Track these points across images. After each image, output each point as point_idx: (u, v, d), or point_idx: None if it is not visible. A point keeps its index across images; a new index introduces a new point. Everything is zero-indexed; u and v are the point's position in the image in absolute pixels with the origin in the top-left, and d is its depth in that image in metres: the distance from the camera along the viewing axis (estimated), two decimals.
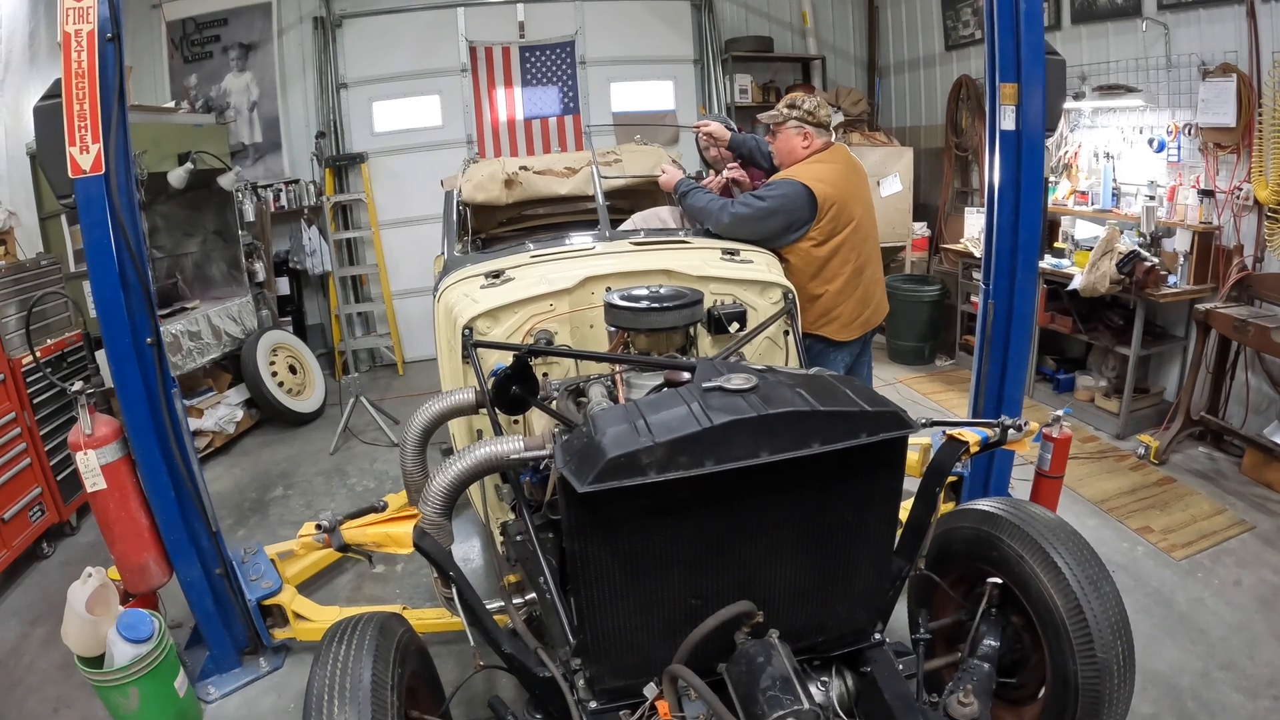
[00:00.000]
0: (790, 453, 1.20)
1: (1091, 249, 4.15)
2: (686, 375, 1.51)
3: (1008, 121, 2.56)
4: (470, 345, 2.08)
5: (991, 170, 2.62)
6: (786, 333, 2.34)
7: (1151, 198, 4.10)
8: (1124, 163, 4.37)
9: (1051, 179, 4.71)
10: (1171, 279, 3.97)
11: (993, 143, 2.58)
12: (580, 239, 2.77)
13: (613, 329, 2.00)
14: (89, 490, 2.36)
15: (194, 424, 4.31)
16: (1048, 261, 4.40)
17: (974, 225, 5.22)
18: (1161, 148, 4.10)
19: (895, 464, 1.41)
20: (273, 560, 2.78)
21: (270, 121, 5.80)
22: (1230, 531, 3.21)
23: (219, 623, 2.59)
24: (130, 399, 2.28)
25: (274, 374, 4.91)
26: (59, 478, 3.53)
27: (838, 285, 2.78)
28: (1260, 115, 3.47)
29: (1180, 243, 3.97)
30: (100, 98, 2.11)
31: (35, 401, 3.45)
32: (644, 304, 1.84)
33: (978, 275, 5.00)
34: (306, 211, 5.75)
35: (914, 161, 5.64)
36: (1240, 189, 3.67)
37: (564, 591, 1.66)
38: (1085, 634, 1.60)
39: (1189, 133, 3.93)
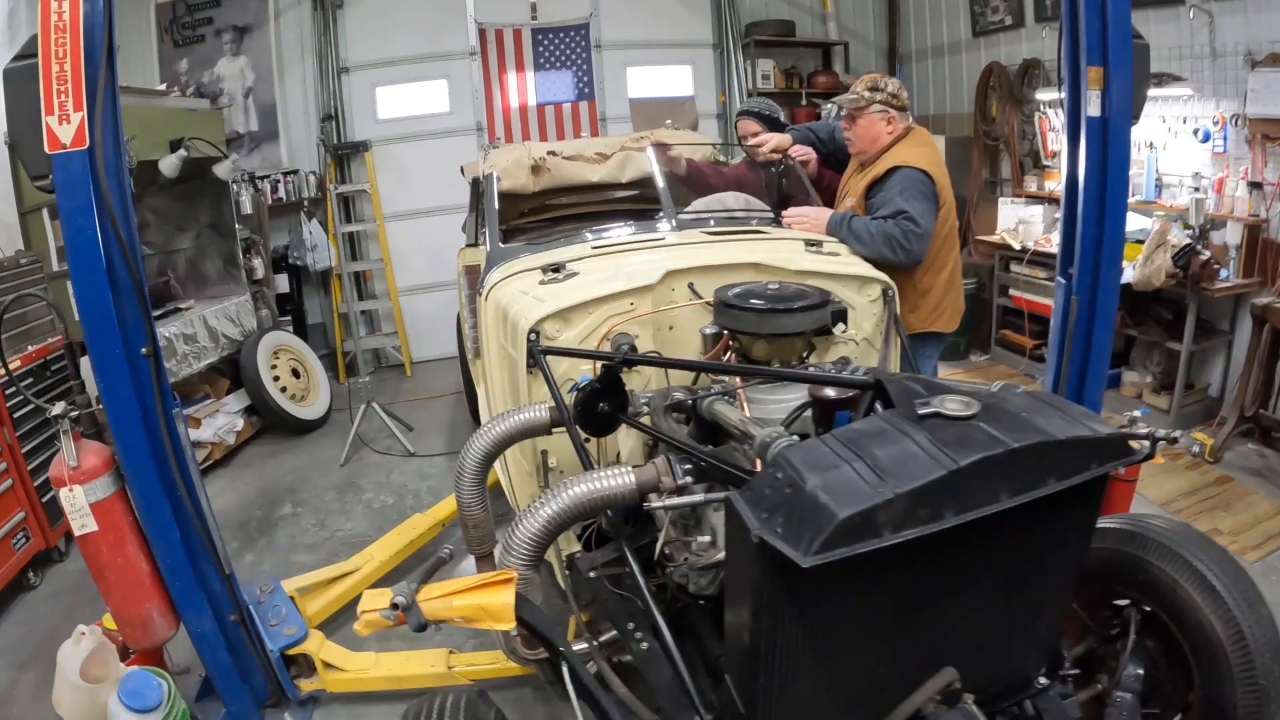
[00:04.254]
0: (1031, 493, 0.98)
1: (1136, 242, 4.02)
2: (831, 392, 1.28)
3: (1093, 108, 2.40)
4: (539, 353, 1.83)
5: (1074, 160, 2.46)
6: (886, 332, 2.12)
7: (1197, 189, 4.00)
8: (1168, 154, 4.24)
9: None
10: (1223, 273, 3.86)
11: (1075, 130, 2.43)
12: (642, 228, 2.49)
13: (708, 331, 1.75)
14: (77, 533, 1.99)
15: (191, 435, 4.00)
16: None
17: (1009, 216, 5.06)
18: (1207, 138, 3.98)
19: (1098, 494, 1.21)
20: (292, 598, 2.48)
21: (267, 109, 5.50)
22: None
23: (235, 676, 2.25)
24: (123, 422, 1.90)
25: (276, 378, 4.61)
26: (44, 499, 3.18)
27: (946, 274, 2.67)
28: None
29: (1231, 235, 3.86)
30: (85, 57, 1.73)
31: (16, 416, 3.11)
32: (765, 305, 1.59)
33: (1016, 268, 4.88)
34: (306, 204, 5.45)
35: (940, 151, 5.48)
36: None
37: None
38: (1247, 661, 1.46)
39: (1236, 123, 3.81)
